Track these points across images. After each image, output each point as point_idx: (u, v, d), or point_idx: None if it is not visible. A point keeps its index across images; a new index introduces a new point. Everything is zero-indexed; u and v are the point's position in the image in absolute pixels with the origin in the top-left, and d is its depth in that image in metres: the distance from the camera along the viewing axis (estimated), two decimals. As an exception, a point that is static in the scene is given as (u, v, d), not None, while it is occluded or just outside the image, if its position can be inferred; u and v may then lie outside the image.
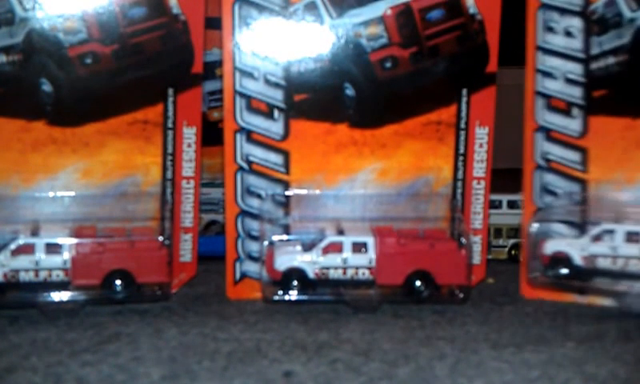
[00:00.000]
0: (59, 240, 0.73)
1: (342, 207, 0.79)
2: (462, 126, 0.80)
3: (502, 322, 0.73)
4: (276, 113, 0.79)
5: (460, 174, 0.81)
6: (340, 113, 0.79)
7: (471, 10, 0.79)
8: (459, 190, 0.81)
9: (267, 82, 0.78)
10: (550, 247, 0.77)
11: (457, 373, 0.61)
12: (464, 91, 0.79)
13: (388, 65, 0.78)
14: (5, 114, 0.76)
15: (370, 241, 0.76)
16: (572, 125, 0.79)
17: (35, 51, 0.75)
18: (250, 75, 0.78)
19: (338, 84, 0.79)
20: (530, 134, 0.81)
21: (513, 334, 0.70)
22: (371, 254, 0.77)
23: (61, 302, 0.73)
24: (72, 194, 0.78)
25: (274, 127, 0.79)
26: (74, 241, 0.75)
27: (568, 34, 0.77)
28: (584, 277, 0.76)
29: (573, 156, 0.80)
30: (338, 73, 0.79)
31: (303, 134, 0.79)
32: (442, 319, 0.75)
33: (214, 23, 0.82)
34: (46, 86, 0.76)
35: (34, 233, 0.74)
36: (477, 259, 0.82)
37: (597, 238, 0.76)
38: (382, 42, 0.79)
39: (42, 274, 0.73)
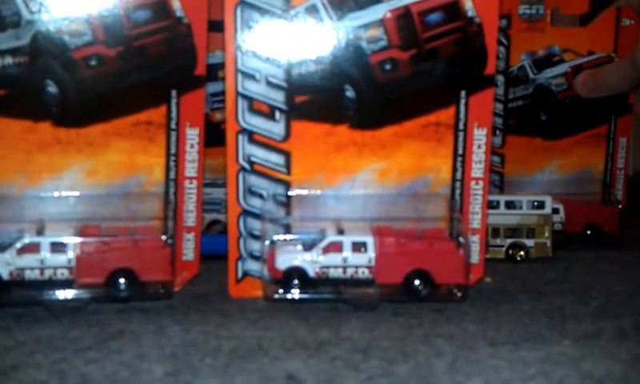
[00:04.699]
0: (64, 239, 0.76)
1: (343, 207, 0.82)
2: (461, 127, 0.82)
3: (499, 319, 0.75)
4: (277, 114, 0.81)
5: (459, 175, 0.82)
6: (340, 114, 0.82)
7: (469, 13, 0.81)
8: (457, 191, 0.82)
9: (269, 83, 0.81)
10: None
11: (455, 370, 0.62)
12: (462, 93, 0.82)
13: (388, 67, 0.81)
14: (11, 114, 0.78)
15: (369, 240, 0.79)
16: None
17: (41, 53, 0.77)
18: (251, 77, 0.80)
19: (339, 86, 0.81)
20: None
21: (510, 331, 0.71)
22: (371, 254, 0.78)
23: (65, 300, 0.76)
24: (76, 193, 0.80)
25: (276, 128, 0.81)
26: (79, 240, 0.77)
27: None
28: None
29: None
30: (339, 75, 0.81)
31: (304, 135, 0.81)
32: (441, 317, 0.76)
33: (216, 26, 0.83)
34: (52, 88, 0.78)
35: (40, 232, 0.77)
36: (475, 258, 0.83)
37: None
38: (382, 45, 0.81)
39: (47, 272, 0.75)
